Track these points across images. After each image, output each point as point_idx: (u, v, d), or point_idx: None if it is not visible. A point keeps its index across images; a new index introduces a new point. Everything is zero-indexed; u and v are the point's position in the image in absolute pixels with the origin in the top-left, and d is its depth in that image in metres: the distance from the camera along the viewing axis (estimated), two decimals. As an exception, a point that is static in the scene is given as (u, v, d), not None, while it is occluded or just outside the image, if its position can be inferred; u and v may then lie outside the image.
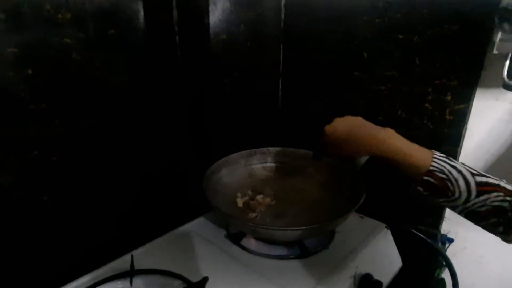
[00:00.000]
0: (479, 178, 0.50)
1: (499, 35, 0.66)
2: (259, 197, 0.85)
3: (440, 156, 0.52)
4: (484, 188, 0.49)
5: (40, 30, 0.59)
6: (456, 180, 0.50)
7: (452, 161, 0.52)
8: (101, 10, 0.66)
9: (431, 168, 0.51)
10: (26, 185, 0.63)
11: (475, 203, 0.49)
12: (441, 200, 0.52)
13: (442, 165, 0.51)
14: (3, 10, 0.54)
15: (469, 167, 0.51)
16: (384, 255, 0.80)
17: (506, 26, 0.63)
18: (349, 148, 0.59)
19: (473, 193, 0.49)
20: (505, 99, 0.74)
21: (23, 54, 0.57)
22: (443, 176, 0.50)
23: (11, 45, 0.56)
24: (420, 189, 0.53)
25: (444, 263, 0.83)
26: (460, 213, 0.52)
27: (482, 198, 0.49)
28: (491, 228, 0.51)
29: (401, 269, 0.81)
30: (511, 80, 0.67)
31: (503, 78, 0.68)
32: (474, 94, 0.76)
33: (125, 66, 0.73)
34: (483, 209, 0.49)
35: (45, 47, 0.60)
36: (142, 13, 0.73)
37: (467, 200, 0.50)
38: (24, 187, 0.63)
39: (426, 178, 0.51)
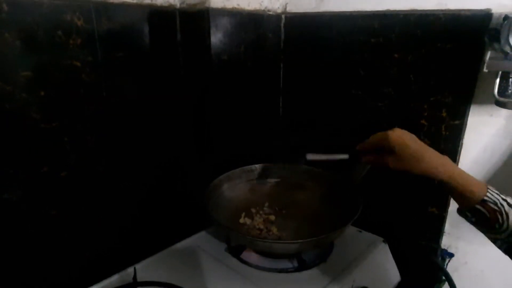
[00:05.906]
0: None
1: (488, 54, 0.68)
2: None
3: (493, 189, 0.54)
4: None
5: (52, 55, 0.63)
6: (507, 214, 0.51)
7: (503, 195, 0.53)
8: (110, 35, 0.70)
9: (485, 198, 0.52)
10: (35, 199, 0.66)
11: None
12: (485, 229, 0.54)
13: (495, 197, 0.52)
14: (19, 38, 0.58)
15: None
16: (381, 269, 0.81)
17: (495, 45, 0.66)
18: (418, 166, 0.56)
19: None
20: (499, 115, 0.75)
21: (36, 77, 0.62)
22: (495, 208, 0.52)
23: (26, 69, 0.60)
24: (469, 214, 0.55)
25: (443, 278, 0.83)
26: (500, 247, 0.54)
27: None
28: None
29: (399, 284, 0.81)
30: (501, 97, 0.68)
31: (494, 95, 0.70)
32: (469, 110, 0.77)
33: (131, 86, 0.76)
34: None
35: (56, 70, 0.64)
36: (148, 36, 0.77)
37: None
38: (34, 202, 0.66)
39: (478, 207, 0.53)
